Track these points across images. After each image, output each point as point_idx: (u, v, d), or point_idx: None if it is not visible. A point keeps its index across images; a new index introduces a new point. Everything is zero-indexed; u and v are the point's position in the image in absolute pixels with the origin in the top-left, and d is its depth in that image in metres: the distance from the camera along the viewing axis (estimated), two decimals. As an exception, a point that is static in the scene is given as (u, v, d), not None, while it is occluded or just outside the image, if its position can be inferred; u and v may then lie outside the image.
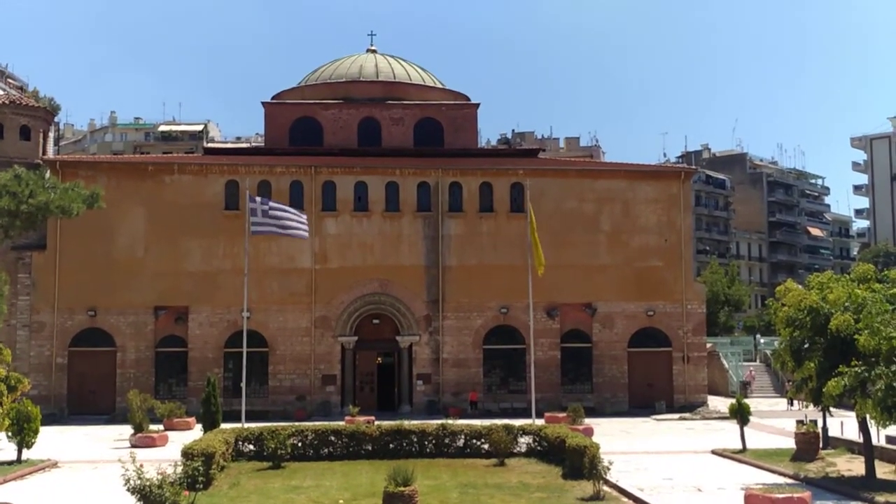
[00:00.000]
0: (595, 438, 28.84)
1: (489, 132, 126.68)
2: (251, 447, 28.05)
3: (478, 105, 53.26)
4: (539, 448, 28.48)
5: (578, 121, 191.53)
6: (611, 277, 46.68)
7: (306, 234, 35.46)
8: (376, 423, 31.29)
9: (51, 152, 52.78)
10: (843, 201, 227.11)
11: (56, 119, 67.00)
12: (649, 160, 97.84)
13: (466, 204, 46.67)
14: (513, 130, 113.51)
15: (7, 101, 48.20)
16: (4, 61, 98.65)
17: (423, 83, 54.22)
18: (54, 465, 27.83)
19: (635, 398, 46.19)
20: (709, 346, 53.62)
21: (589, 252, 46.67)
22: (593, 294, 46.48)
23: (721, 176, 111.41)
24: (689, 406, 45.71)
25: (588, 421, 36.46)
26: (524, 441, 28.96)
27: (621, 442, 33.35)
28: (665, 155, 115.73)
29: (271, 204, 34.56)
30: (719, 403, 47.36)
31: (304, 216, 35.69)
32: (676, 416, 43.74)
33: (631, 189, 47.69)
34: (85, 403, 43.59)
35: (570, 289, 45.78)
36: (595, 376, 46.45)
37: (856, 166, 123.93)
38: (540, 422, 33.86)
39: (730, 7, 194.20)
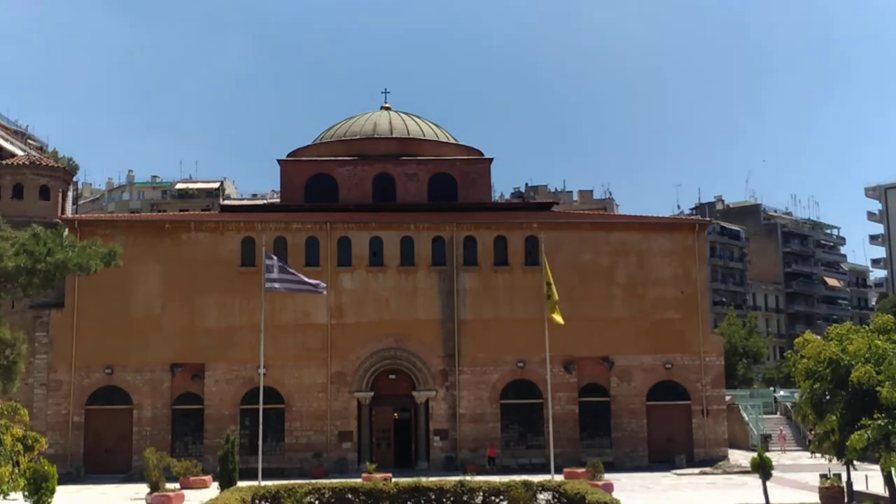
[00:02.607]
0: (615, 494, 28.46)
1: (502, 186, 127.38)
2: (268, 506, 27.75)
3: (491, 160, 53.65)
4: (558, 504, 28.06)
5: (591, 174, 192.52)
6: (627, 330, 46.48)
7: (323, 290, 35.46)
8: (394, 480, 30.95)
9: (69, 211, 53.28)
10: (860, 251, 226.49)
11: (74, 178, 67.86)
12: (663, 212, 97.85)
13: (481, 258, 46.78)
14: (526, 184, 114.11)
15: (27, 162, 48.95)
16: (25, 122, 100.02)
17: (436, 139, 54.74)
18: (70, 525, 27.67)
19: (655, 452, 45.64)
20: (728, 398, 53.05)
21: (605, 305, 46.55)
22: (610, 347, 46.25)
23: (735, 227, 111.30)
24: (709, 460, 45.09)
25: (608, 476, 36.05)
26: (543, 497, 28.55)
27: (642, 498, 32.91)
28: (678, 207, 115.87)
29: (287, 267, 34.81)
30: (740, 457, 46.73)
31: (318, 282, 35.67)
32: (697, 470, 43.14)
33: (645, 241, 47.73)
34: (101, 462, 43.42)
35: (586, 342, 45.58)
36: (614, 430, 45.98)
37: (871, 216, 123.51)
38: (559, 477, 33.43)
39: (741, 59, 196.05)
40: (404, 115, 56.03)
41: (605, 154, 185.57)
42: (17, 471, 22.08)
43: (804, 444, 52.48)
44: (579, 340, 44.99)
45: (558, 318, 33.53)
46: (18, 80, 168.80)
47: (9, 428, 21.84)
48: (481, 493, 28.52)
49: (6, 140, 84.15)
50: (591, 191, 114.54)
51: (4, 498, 27.27)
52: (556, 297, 33.80)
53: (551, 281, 33.98)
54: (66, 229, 43.35)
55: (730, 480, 39.70)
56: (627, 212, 75.22)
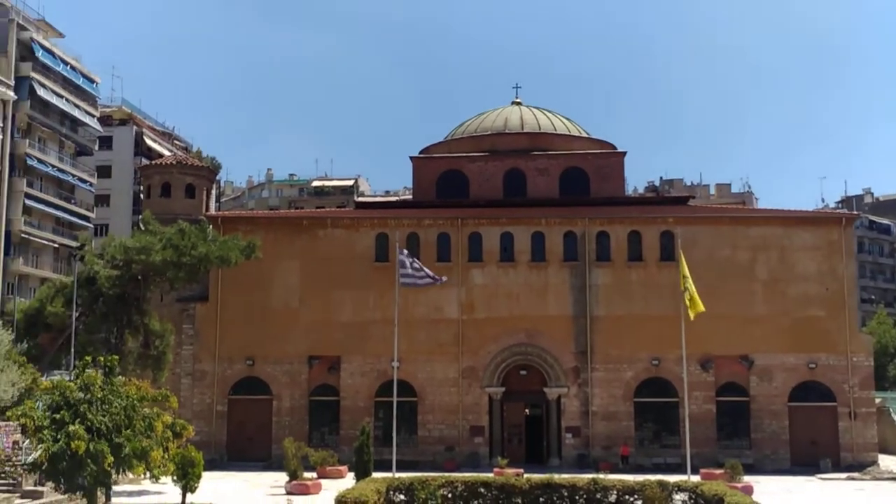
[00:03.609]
0: (755, 497, 27.46)
1: (636, 180, 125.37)
2: (402, 497, 28.11)
3: (624, 153, 52.71)
4: (695, 506, 27.29)
5: (729, 167, 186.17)
6: (767, 328, 44.80)
7: (442, 281, 35.88)
8: (525, 475, 30.86)
9: (213, 209, 55.64)
10: None
11: (217, 177, 70.75)
12: (806, 206, 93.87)
13: (614, 253, 46.04)
14: (661, 178, 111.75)
15: (174, 162, 51.38)
16: (171, 124, 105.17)
17: (567, 133, 54.19)
18: (215, 509, 28.82)
19: (797, 455, 43.84)
20: (878, 401, 50.40)
21: (744, 302, 45.02)
22: (749, 346, 44.70)
23: (886, 221, 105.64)
24: (857, 465, 42.95)
25: (747, 478, 34.90)
26: (679, 498, 27.79)
27: (785, 502, 31.60)
28: (823, 200, 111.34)
29: (415, 261, 35.34)
30: (892, 463, 44.40)
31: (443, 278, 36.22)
32: (844, 475, 41.16)
33: (787, 236, 45.91)
34: (243, 449, 45.08)
35: (724, 340, 44.22)
36: (753, 431, 44.44)
37: None
38: (695, 478, 32.52)
39: (888, 40, 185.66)
40: (535, 110, 55.71)
41: (743, 146, 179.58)
42: (166, 456, 23.12)
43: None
44: (717, 338, 43.71)
45: (697, 308, 32.47)
46: (165, 83, 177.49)
47: (159, 415, 22.89)
48: (615, 492, 28.02)
49: (154, 141, 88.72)
50: (729, 184, 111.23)
51: (155, 482, 28.69)
52: (693, 290, 32.81)
53: (687, 274, 33.07)
54: (210, 226, 45.16)
55: (880, 487, 37.69)
56: (768, 206, 72.69)
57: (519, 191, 50.83)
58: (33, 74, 68.16)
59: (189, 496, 29.10)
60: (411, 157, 53.51)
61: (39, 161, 69.01)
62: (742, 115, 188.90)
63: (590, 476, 29.20)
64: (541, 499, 27.87)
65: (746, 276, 45.42)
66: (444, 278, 35.83)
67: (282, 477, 35.78)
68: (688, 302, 32.69)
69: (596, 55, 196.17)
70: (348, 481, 32.11)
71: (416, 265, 34.88)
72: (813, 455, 43.42)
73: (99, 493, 23.33)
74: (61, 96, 72.21)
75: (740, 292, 45.07)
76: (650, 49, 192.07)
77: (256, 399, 45.68)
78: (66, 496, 25.31)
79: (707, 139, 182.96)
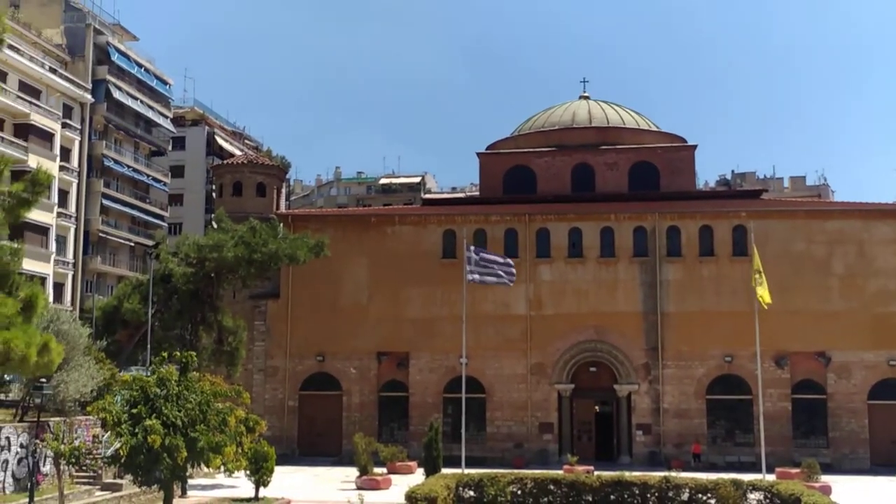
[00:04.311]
0: (834, 498, 26.75)
1: (707, 174, 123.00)
2: (471, 493, 28.12)
3: (695, 146, 51.83)
4: (771, 506, 26.71)
5: (804, 159, 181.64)
6: (845, 324, 43.61)
7: (511, 281, 35.31)
8: (596, 473, 30.60)
9: (283, 207, 56.35)
10: None
11: (287, 175, 71.69)
12: (885, 199, 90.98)
13: (685, 248, 45.32)
14: (732, 171, 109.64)
15: (245, 161, 52.22)
16: (242, 124, 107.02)
17: (636, 127, 53.51)
18: (288, 503, 29.21)
19: (878, 455, 42.60)
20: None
21: (820, 297, 43.91)
22: (826, 342, 43.58)
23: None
24: (942, 466, 41.54)
25: (825, 478, 34.03)
26: (754, 497, 27.24)
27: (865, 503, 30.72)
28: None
29: (483, 254, 35.01)
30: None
31: (510, 262, 35.55)
32: (928, 476, 39.78)
33: (866, 229, 44.64)
34: (313, 444, 45.62)
35: (799, 336, 43.21)
36: (831, 430, 43.33)
37: None
38: (770, 477, 31.84)
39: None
40: (603, 104, 55.14)
41: (818, 138, 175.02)
42: (240, 451, 23.47)
43: None
44: (792, 334, 42.76)
45: (765, 297, 31.86)
46: (235, 83, 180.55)
47: (233, 410, 23.25)
48: (687, 490, 27.57)
49: (226, 141, 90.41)
50: (804, 177, 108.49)
51: (229, 476, 29.21)
52: (765, 284, 32.15)
53: (761, 269, 32.42)
54: (281, 224, 45.77)
55: (966, 489, 36.32)
56: (845, 199, 70.53)
57: (587, 186, 50.38)
58: (109, 77, 69.98)
59: (262, 490, 29.58)
60: (478, 153, 53.47)
61: (116, 162, 70.85)
62: (816, 106, 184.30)
63: (661, 474, 28.80)
64: (611, 496, 27.58)
65: (823, 271, 44.29)
66: (512, 281, 35.31)
67: (352, 472, 36.10)
68: (760, 294, 32.06)
69: (664, 48, 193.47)
70: (418, 477, 32.25)
71: (484, 261, 34.51)
72: (894, 455, 42.16)
73: (175, 486, 23.82)
74: (136, 98, 74.01)
75: (816, 287, 43.99)
76: (720, 41, 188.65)
77: (327, 395, 46.18)
78: (143, 489, 25.89)
79: (780, 131, 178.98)
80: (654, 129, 54.22)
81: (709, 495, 27.17)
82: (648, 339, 44.71)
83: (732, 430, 44.04)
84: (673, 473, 29.30)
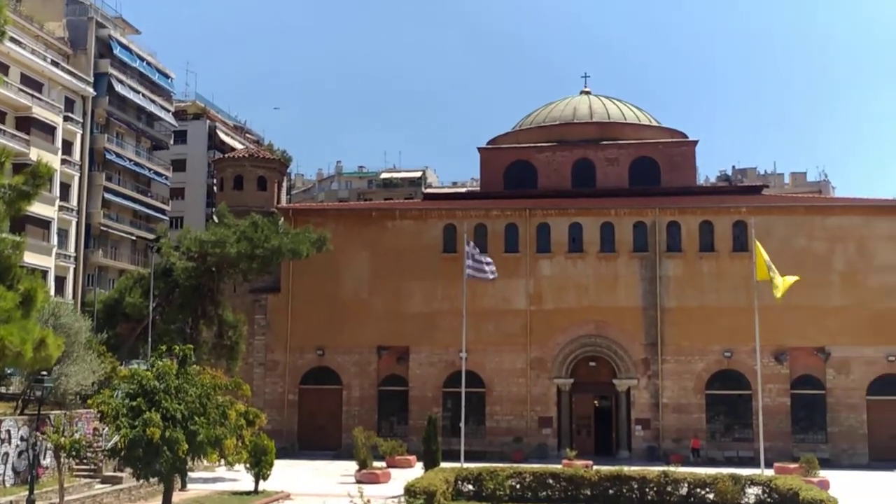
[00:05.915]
0: (832, 493, 26.80)
1: (708, 169, 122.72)
2: (470, 487, 28.25)
3: (696, 142, 51.89)
4: (769, 500, 26.76)
5: (804, 155, 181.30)
6: (845, 320, 43.67)
7: (491, 277, 35.69)
8: (594, 467, 30.69)
9: (283, 201, 56.40)
10: None
11: (288, 170, 71.72)
12: (886, 196, 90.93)
13: (685, 244, 45.36)
14: (733, 167, 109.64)
15: (246, 155, 52.23)
16: (243, 118, 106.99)
17: (637, 122, 53.54)
18: (287, 496, 29.32)
19: (877, 451, 42.69)
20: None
21: (820, 293, 43.92)
22: (825, 338, 43.65)
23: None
24: (939, 461, 41.62)
25: (823, 473, 34.08)
26: (752, 492, 27.35)
27: (863, 498, 30.78)
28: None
29: (475, 256, 35.46)
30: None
31: (489, 259, 36.07)
32: (926, 472, 39.88)
33: (867, 225, 44.70)
34: (313, 438, 45.70)
35: (799, 332, 43.29)
36: (830, 425, 43.42)
37: None
38: (769, 472, 31.94)
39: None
40: (604, 99, 55.17)
41: (819, 134, 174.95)
42: (240, 444, 23.54)
43: None
44: (791, 330, 42.83)
45: (786, 283, 31.89)
46: (237, 77, 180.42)
47: (233, 403, 23.32)
48: (686, 485, 27.71)
49: (227, 135, 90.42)
50: (805, 173, 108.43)
51: (230, 469, 29.33)
52: (774, 272, 32.15)
53: (771, 264, 32.33)
54: (282, 218, 45.81)
55: (965, 485, 36.41)
56: (845, 195, 70.51)
57: (588, 181, 50.44)
58: (111, 71, 69.98)
59: (262, 483, 29.69)
60: (479, 148, 53.53)
61: (117, 155, 70.86)
62: (817, 102, 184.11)
63: (660, 468, 28.94)
64: (610, 491, 27.73)
65: (823, 267, 44.31)
66: (494, 275, 35.85)
67: (351, 466, 36.20)
68: (777, 285, 31.99)
69: (666, 43, 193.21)
70: (417, 471, 32.35)
71: (478, 257, 35.04)
72: (893, 450, 42.26)
73: (175, 479, 23.90)
74: (138, 92, 73.99)
75: (816, 283, 43.94)
76: (721, 36, 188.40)
77: (326, 388, 46.27)
78: (143, 482, 25.99)
79: (781, 127, 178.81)
80: (654, 124, 54.25)
81: (707, 490, 27.30)
82: (648, 334, 44.78)
83: (731, 425, 44.14)
84: (672, 468, 29.39)
